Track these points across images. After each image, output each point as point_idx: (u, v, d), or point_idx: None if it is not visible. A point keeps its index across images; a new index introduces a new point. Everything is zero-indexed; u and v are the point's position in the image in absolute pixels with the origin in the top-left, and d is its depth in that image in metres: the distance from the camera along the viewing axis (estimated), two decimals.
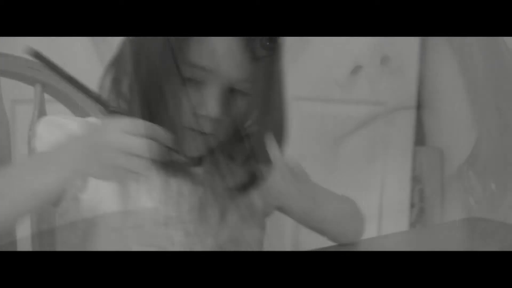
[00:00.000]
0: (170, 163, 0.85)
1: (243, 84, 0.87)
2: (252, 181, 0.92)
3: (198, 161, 0.91)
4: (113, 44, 0.93)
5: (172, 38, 0.82)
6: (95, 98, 0.80)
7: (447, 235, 1.17)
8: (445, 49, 2.22)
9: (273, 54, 0.88)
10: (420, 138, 2.28)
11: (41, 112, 1.13)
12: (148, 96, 0.84)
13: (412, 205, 2.26)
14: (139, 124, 0.75)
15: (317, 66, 2.27)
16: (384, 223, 2.27)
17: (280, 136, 0.94)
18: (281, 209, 1.02)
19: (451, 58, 2.21)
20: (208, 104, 0.84)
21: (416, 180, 2.25)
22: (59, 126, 0.90)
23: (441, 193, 2.27)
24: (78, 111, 1.13)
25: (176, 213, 0.92)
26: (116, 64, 0.89)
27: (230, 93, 0.87)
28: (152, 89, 0.84)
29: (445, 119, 2.26)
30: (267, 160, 0.91)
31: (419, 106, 2.26)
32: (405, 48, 2.17)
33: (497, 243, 1.09)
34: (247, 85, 0.87)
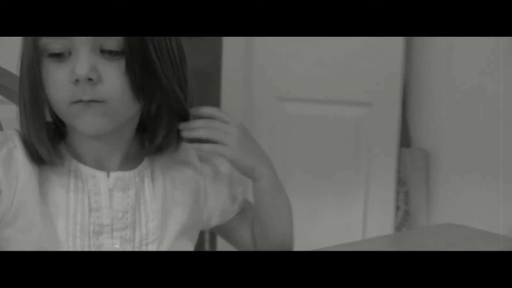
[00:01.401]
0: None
1: (111, 41, 0.83)
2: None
3: None
4: None
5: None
6: None
7: (423, 240, 1.16)
8: (430, 49, 2.21)
9: None
10: (405, 139, 2.26)
11: None
12: (31, 86, 0.85)
13: (397, 208, 2.24)
14: None
15: (302, 66, 2.26)
16: (368, 226, 2.25)
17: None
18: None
19: (437, 58, 2.20)
20: (76, 67, 0.81)
21: (401, 182, 2.24)
22: None
23: (426, 196, 2.25)
24: None
25: (108, 221, 0.88)
26: None
27: (103, 54, 0.83)
28: (30, 76, 0.84)
29: (431, 121, 2.25)
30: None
31: (405, 107, 2.25)
32: (390, 49, 2.15)
33: (473, 248, 1.08)
34: (114, 43, 0.83)
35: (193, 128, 0.92)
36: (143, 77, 0.84)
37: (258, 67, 2.32)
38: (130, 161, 0.91)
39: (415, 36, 2.20)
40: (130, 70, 0.82)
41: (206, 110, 0.93)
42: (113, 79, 0.82)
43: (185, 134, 0.92)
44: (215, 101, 2.49)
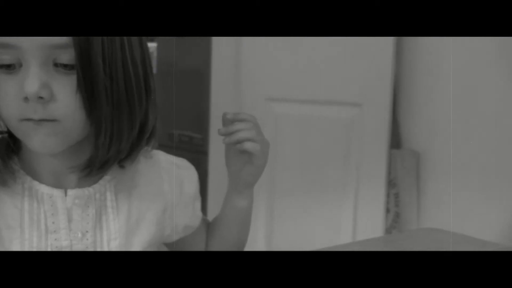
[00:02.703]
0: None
1: (66, 54, 0.73)
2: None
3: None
4: None
5: None
6: None
7: (404, 244, 1.15)
8: (421, 50, 2.20)
9: None
10: (395, 140, 2.25)
11: None
12: None
13: (387, 210, 2.23)
14: None
15: (291, 66, 2.25)
16: (358, 229, 2.23)
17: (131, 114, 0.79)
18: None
19: (428, 59, 2.19)
20: (25, 83, 0.72)
21: (391, 184, 2.22)
22: None
23: (417, 197, 2.24)
24: None
25: (67, 242, 0.81)
26: None
27: (57, 68, 0.74)
28: None
29: (422, 122, 2.24)
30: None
31: (395, 108, 2.23)
32: (380, 50, 2.14)
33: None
34: (69, 56, 0.73)
35: (234, 131, 0.91)
36: (95, 94, 0.74)
37: (248, 67, 2.31)
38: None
39: (406, 36, 2.19)
40: (82, 88, 0.74)
41: (245, 115, 0.92)
42: (66, 96, 0.74)
43: (227, 140, 0.91)
44: (205, 101, 2.48)
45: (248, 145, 0.91)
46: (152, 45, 3.73)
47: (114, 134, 0.77)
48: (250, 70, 2.31)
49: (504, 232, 2.00)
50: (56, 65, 0.74)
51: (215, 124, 2.39)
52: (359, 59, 2.16)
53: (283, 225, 2.31)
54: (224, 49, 2.35)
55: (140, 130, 0.81)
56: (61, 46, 0.73)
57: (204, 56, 2.52)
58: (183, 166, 0.95)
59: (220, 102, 2.38)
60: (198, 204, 0.97)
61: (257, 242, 2.33)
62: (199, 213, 0.98)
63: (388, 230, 2.21)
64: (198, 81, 2.71)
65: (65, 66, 0.74)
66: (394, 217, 2.22)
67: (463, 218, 2.09)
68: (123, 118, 0.78)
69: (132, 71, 0.78)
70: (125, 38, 0.77)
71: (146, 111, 0.81)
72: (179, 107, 2.97)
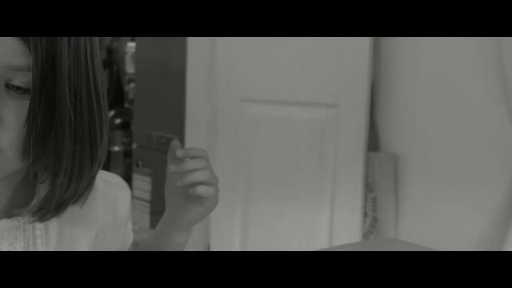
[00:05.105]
0: None
1: (21, 76, 0.65)
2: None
3: None
4: None
5: None
6: None
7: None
8: (399, 50, 2.18)
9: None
10: (373, 143, 2.22)
11: None
12: None
13: (365, 215, 2.19)
14: None
15: (266, 67, 2.22)
16: (335, 234, 2.19)
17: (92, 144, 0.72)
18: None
19: (406, 59, 2.17)
20: None
21: (368, 188, 2.19)
22: None
23: (395, 202, 2.21)
24: None
25: None
26: None
27: (9, 90, 0.66)
28: None
29: (400, 124, 2.21)
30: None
31: (373, 109, 2.21)
32: (357, 49, 2.11)
33: None
34: (24, 79, 0.65)
35: (187, 171, 0.81)
36: (56, 126, 0.66)
37: (222, 68, 2.28)
38: (18, 204, 0.74)
39: (383, 36, 2.17)
40: (37, 116, 0.65)
41: (196, 151, 0.83)
42: (17, 124, 0.65)
43: (179, 183, 0.81)
44: (180, 103, 2.46)
45: (202, 190, 0.82)
46: (131, 45, 3.73)
47: (75, 173, 0.70)
48: (225, 71, 2.28)
49: (481, 237, 1.98)
50: (7, 86, 0.65)
51: (190, 125, 2.37)
52: (336, 59, 2.12)
53: (258, 229, 2.27)
54: (199, 49, 2.33)
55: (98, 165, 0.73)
56: (19, 68, 0.64)
57: (179, 57, 2.50)
58: (118, 185, 0.87)
59: (195, 103, 2.37)
60: (130, 225, 0.90)
61: (232, 246, 2.30)
62: (130, 235, 0.90)
63: (365, 235, 2.18)
64: (173, 83, 2.69)
65: (17, 88, 0.65)
66: (372, 222, 2.20)
67: (442, 222, 2.07)
68: (85, 155, 0.70)
69: (95, 102, 0.70)
70: (89, 63, 0.69)
71: (105, 145, 0.73)
72: (157, 108, 2.94)
